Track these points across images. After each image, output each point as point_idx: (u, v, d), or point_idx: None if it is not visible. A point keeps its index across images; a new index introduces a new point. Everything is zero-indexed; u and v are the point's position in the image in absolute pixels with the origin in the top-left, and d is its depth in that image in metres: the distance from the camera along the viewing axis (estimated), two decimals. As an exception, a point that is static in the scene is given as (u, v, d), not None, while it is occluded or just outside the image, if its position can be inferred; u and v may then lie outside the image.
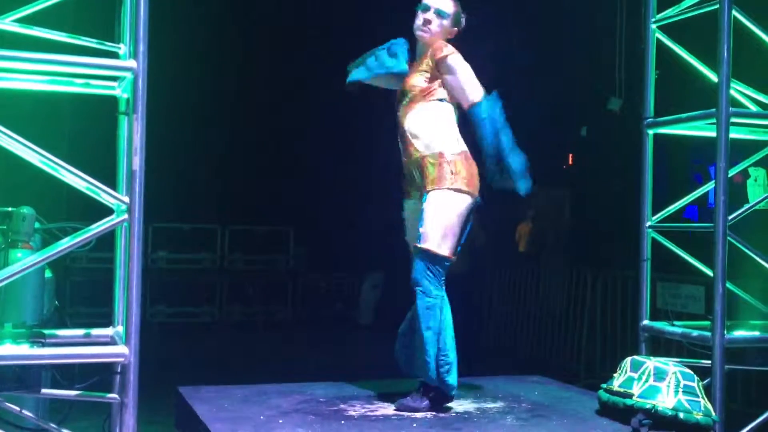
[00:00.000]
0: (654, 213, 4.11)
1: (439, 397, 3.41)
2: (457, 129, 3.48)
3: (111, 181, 3.05)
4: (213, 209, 11.80)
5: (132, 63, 2.84)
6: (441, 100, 3.45)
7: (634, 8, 6.05)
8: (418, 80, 3.47)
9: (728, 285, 3.78)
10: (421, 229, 3.33)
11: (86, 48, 3.13)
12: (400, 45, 3.55)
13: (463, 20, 3.58)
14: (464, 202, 3.37)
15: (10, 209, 4.32)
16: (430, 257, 3.32)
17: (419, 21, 3.52)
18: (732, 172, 3.83)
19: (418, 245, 3.33)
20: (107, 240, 3.09)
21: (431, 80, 3.45)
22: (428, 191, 3.37)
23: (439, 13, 3.50)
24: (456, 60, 3.41)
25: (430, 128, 3.44)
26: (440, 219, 3.33)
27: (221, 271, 11.54)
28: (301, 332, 10.66)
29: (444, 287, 3.38)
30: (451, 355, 3.36)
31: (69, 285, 9.64)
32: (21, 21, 3.08)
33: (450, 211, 3.34)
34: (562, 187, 11.56)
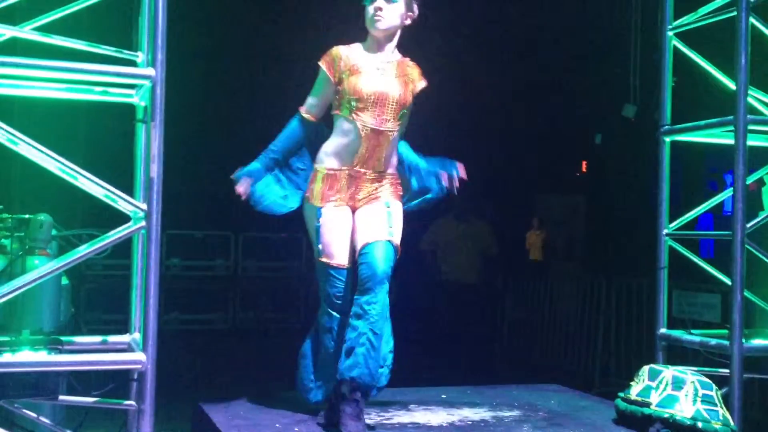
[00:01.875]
0: (670, 221, 4.08)
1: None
2: None
3: (126, 188, 3.06)
4: (226, 216, 11.83)
5: (150, 71, 2.85)
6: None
7: (649, 14, 6.03)
8: (406, 93, 3.33)
9: (746, 293, 3.76)
10: (391, 228, 3.28)
11: (104, 56, 3.15)
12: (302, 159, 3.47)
13: (415, 6, 3.36)
14: None
15: (27, 216, 4.36)
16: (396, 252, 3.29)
17: (370, 12, 3.27)
18: (749, 180, 3.80)
19: (392, 239, 3.27)
20: (121, 247, 3.09)
21: (409, 99, 3.35)
22: (389, 200, 3.34)
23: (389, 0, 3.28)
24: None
25: (392, 148, 3.38)
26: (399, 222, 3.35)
27: (234, 277, 11.56)
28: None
29: None
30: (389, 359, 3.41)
31: (84, 292, 9.68)
32: (40, 29, 3.09)
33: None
34: (576, 193, 11.53)
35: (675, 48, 4.09)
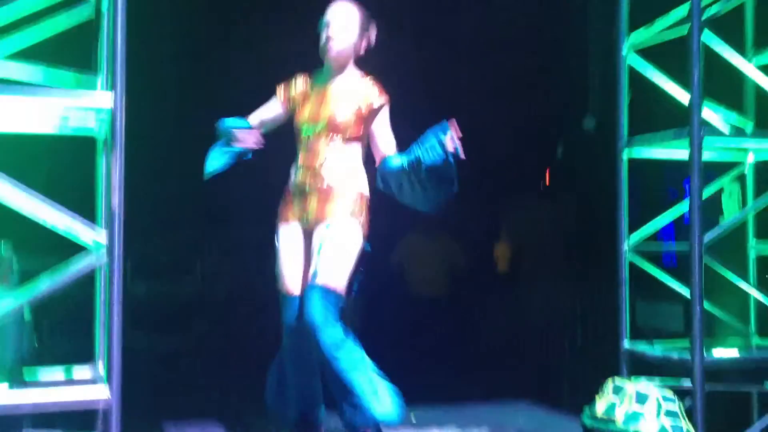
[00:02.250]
0: (632, 230, 4.11)
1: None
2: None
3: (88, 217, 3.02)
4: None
5: (107, 95, 2.79)
6: (358, 140, 3.34)
7: (604, 28, 6.09)
8: (344, 113, 3.29)
9: (706, 305, 3.82)
10: (320, 266, 3.17)
11: (62, 81, 3.11)
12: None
13: (371, 31, 3.38)
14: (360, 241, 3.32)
15: (-17, 244, 4.28)
16: None
17: (323, 40, 3.32)
18: (706, 194, 3.87)
19: (320, 282, 3.16)
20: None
21: (359, 120, 3.31)
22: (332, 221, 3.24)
23: (342, 27, 3.30)
24: (385, 108, 3.35)
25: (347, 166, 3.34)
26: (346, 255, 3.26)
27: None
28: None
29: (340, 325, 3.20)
30: (370, 387, 3.17)
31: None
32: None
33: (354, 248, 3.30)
34: (540, 204, 11.59)
35: (630, 64, 4.15)
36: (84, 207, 3.16)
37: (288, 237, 3.30)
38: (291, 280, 3.25)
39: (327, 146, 3.28)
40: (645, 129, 4.10)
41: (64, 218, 2.78)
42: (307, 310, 3.07)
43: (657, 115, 4.32)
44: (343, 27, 3.30)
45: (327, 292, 3.09)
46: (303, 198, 3.28)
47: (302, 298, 3.16)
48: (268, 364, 3.37)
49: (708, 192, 4.03)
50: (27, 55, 3.13)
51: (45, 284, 2.81)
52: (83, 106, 2.88)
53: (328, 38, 3.30)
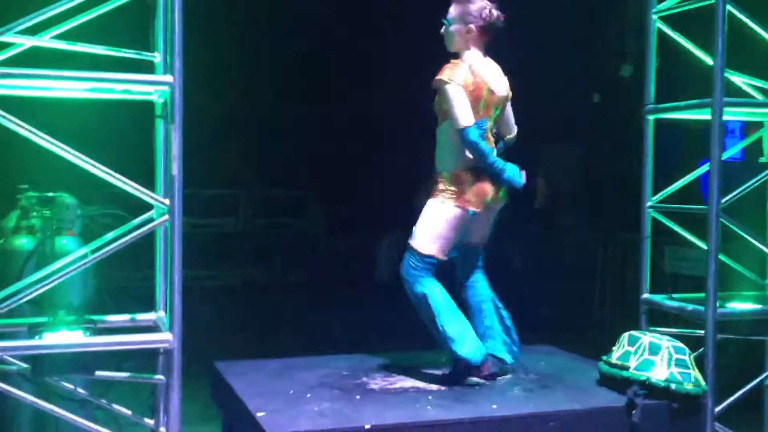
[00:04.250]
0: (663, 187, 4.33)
1: (458, 371, 3.77)
2: (458, 148, 3.76)
3: (144, 176, 3.33)
4: (234, 174, 12.14)
5: (168, 78, 3.10)
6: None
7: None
8: (437, 100, 3.80)
9: (723, 257, 4.05)
10: (414, 229, 3.81)
11: (122, 58, 3.41)
12: None
13: (479, 13, 3.79)
14: (451, 212, 3.77)
15: (51, 194, 4.64)
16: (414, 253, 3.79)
17: None
18: (725, 156, 4.06)
19: (410, 242, 3.80)
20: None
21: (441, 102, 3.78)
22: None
23: (444, 23, 3.85)
24: (445, 88, 3.71)
25: (439, 147, 3.84)
26: (426, 222, 3.79)
27: (243, 235, 11.93)
28: (321, 294, 11.04)
29: (427, 279, 3.78)
30: (450, 331, 3.71)
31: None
32: (58, 37, 3.32)
33: (436, 217, 3.79)
34: (577, 147, 11.73)
35: (660, 30, 4.32)
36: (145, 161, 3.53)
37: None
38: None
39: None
40: (678, 93, 4.28)
41: (131, 186, 3.10)
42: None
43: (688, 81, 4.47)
44: (445, 24, 3.85)
45: (408, 251, 3.79)
46: None
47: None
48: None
49: (726, 156, 4.19)
50: (87, 37, 3.41)
51: (115, 244, 3.14)
52: (143, 81, 3.18)
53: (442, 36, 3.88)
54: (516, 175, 3.76)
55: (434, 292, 3.76)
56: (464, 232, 3.85)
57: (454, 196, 3.76)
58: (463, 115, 3.67)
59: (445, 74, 3.73)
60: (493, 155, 3.73)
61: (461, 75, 3.71)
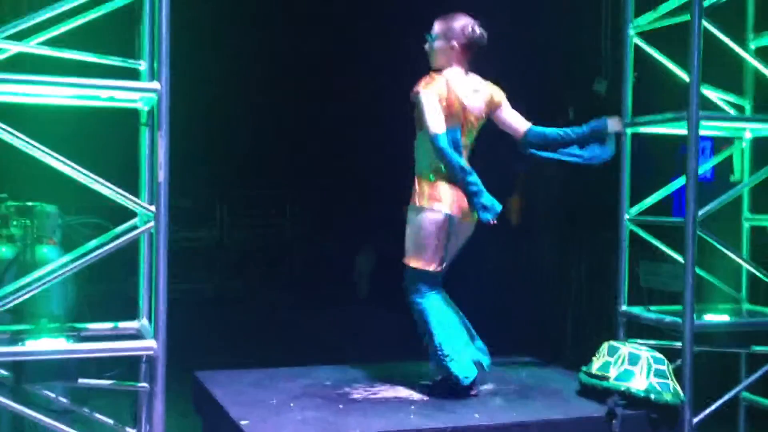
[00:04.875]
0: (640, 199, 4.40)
1: (447, 386, 3.77)
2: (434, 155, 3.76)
3: (127, 182, 3.33)
4: (211, 183, 12.10)
5: (155, 85, 3.11)
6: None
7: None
8: (415, 111, 3.83)
9: (699, 271, 4.12)
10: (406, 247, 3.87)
11: (107, 65, 3.41)
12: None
13: (462, 31, 3.84)
14: (431, 220, 3.76)
15: (30, 204, 4.60)
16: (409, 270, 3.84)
17: None
18: (702, 170, 4.14)
19: (404, 260, 3.85)
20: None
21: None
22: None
23: (428, 38, 3.90)
24: (419, 97, 3.76)
25: (417, 155, 3.89)
26: (411, 236, 3.83)
27: (220, 245, 11.90)
28: (298, 307, 11.02)
29: (425, 294, 3.82)
30: (447, 348, 3.71)
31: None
32: (45, 43, 3.32)
33: (419, 229, 3.80)
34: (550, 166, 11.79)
35: (637, 45, 4.40)
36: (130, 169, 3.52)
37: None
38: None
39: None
40: (655, 107, 4.36)
41: (116, 192, 3.09)
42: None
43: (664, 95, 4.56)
44: (428, 39, 3.90)
45: (406, 268, 3.84)
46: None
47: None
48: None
49: (702, 169, 4.27)
50: (72, 44, 3.41)
51: (96, 248, 3.14)
52: (130, 88, 3.19)
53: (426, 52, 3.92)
54: (489, 208, 3.61)
55: (432, 306, 3.79)
56: (450, 238, 3.83)
57: (432, 202, 3.77)
58: (434, 121, 3.70)
59: (420, 84, 3.79)
60: (464, 169, 3.66)
61: (436, 86, 3.77)
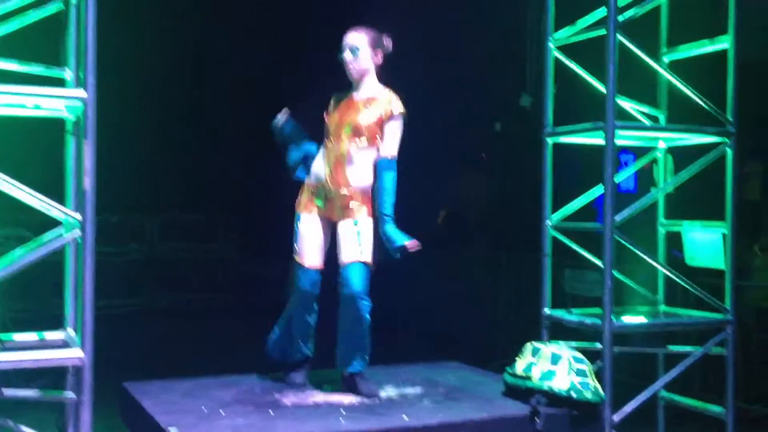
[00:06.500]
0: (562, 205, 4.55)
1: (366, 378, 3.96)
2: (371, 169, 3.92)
3: (51, 190, 3.31)
4: (138, 198, 11.95)
5: (82, 93, 3.11)
6: (374, 144, 3.90)
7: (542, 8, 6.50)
8: (367, 118, 3.88)
9: (618, 275, 4.29)
10: (360, 247, 3.87)
11: (33, 75, 3.40)
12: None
13: (385, 42, 3.98)
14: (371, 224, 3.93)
15: (-48, 216, 4.52)
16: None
17: (345, 63, 3.96)
18: (618, 179, 4.31)
19: (361, 259, 3.86)
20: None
21: (379, 124, 3.88)
22: (357, 218, 3.89)
23: (352, 50, 3.94)
24: (401, 119, 3.90)
25: (356, 166, 3.91)
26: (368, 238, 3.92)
27: (150, 260, 11.75)
28: (232, 319, 10.94)
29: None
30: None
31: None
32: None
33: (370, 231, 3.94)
34: (479, 173, 12.05)
35: (557, 58, 4.57)
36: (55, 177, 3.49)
37: (310, 223, 3.98)
38: (311, 256, 3.97)
39: (338, 148, 3.89)
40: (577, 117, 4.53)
41: (41, 200, 3.08)
42: (353, 281, 3.81)
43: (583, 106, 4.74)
44: (353, 51, 3.92)
45: (366, 267, 3.86)
46: (329, 193, 3.92)
47: (320, 271, 3.99)
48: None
49: (619, 179, 4.45)
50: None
51: (21, 257, 3.11)
52: (56, 95, 3.17)
53: (347, 62, 3.95)
54: (392, 240, 3.80)
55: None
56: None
57: (368, 209, 3.90)
58: (397, 146, 3.90)
59: (399, 104, 3.91)
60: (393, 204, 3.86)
61: None
